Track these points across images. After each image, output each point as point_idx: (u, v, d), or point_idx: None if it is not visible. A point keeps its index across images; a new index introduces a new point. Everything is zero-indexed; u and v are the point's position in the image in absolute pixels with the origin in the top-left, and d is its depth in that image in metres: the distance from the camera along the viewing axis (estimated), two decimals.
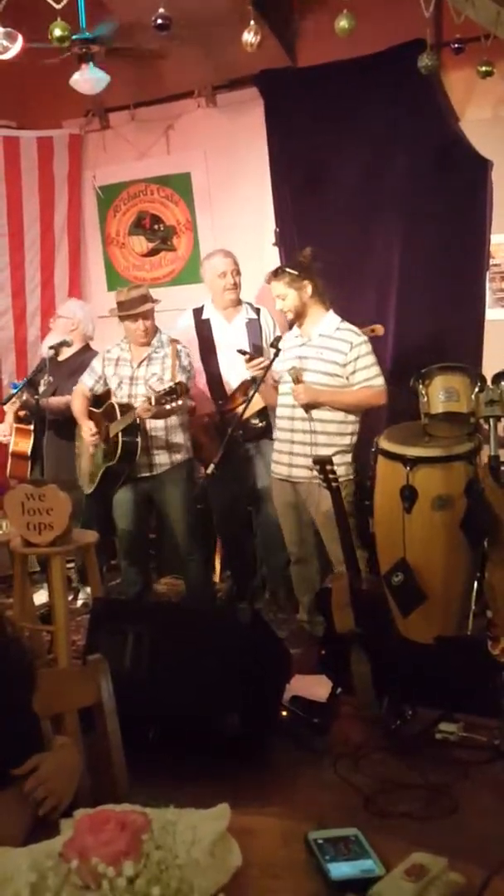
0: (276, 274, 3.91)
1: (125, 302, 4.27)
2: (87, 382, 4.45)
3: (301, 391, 3.81)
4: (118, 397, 4.31)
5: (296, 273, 3.87)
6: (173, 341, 4.31)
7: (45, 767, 1.48)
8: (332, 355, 3.84)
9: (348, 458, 3.86)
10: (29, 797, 1.45)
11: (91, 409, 4.44)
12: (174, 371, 4.17)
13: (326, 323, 3.92)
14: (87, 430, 4.34)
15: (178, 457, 4.32)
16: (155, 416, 4.08)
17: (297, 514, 4.01)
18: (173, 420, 4.26)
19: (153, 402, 3.94)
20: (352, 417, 3.89)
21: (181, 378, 4.12)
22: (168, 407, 3.99)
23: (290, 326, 4.06)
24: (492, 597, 2.92)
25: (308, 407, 3.85)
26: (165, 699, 3.11)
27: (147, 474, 4.29)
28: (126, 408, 4.20)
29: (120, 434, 4.16)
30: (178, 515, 4.37)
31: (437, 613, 3.27)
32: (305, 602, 4.14)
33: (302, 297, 3.88)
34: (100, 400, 4.44)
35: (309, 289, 3.88)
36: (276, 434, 4.06)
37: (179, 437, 4.32)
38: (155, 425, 4.22)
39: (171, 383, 3.96)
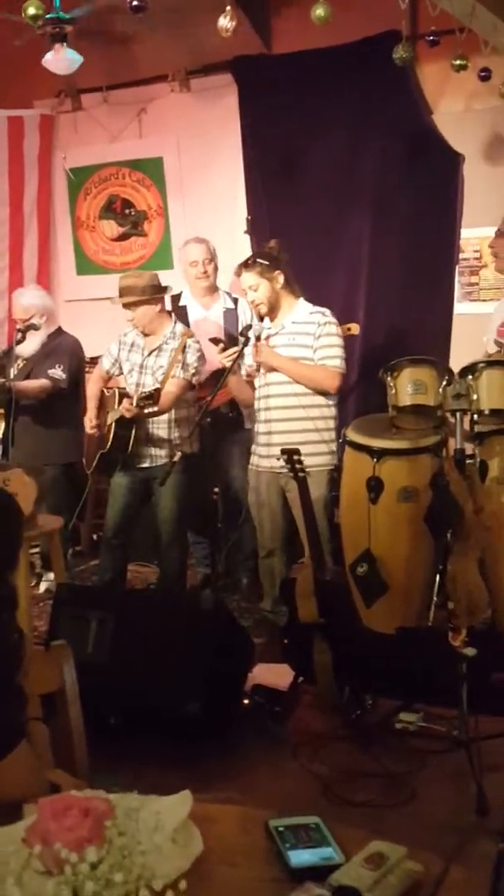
0: (248, 265, 3.87)
1: (120, 289, 4.22)
2: (105, 365, 4.40)
3: (260, 349, 3.80)
4: (128, 384, 4.29)
5: (267, 263, 3.83)
6: (185, 334, 4.21)
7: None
8: (304, 339, 3.83)
9: (326, 447, 3.84)
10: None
11: (104, 390, 4.39)
12: (170, 368, 4.12)
13: (299, 310, 3.90)
14: (88, 420, 4.32)
15: (181, 451, 4.17)
16: (136, 417, 4.04)
17: (273, 507, 3.97)
18: (181, 413, 4.22)
19: (134, 403, 3.92)
20: (328, 402, 3.86)
21: (181, 374, 4.10)
22: (147, 411, 3.96)
23: (261, 319, 4.02)
24: (453, 588, 2.94)
25: (262, 366, 3.82)
26: (127, 686, 3.11)
27: (147, 465, 4.25)
28: (123, 397, 4.16)
29: (114, 425, 4.13)
30: (168, 507, 4.29)
31: (399, 604, 3.30)
32: (271, 593, 4.14)
33: (274, 287, 3.84)
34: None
35: (280, 279, 3.84)
36: (256, 426, 4.02)
37: (185, 431, 4.22)
38: (160, 418, 4.16)
39: (152, 388, 3.92)
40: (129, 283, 4.20)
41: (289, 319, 3.90)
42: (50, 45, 4.63)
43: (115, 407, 4.18)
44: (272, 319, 3.94)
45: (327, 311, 3.90)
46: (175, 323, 4.27)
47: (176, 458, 3.84)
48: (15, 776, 1.42)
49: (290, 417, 3.84)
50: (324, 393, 3.85)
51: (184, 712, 2.99)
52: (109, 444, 4.16)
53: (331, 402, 3.89)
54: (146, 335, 4.25)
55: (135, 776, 2.31)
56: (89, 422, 4.32)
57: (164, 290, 4.26)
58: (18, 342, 4.50)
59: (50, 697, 1.86)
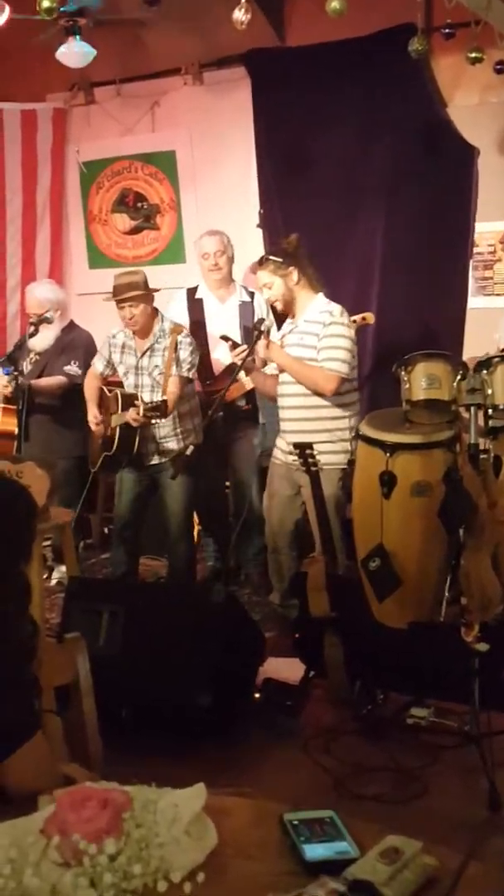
0: (261, 262, 3.83)
1: (115, 287, 4.19)
2: (98, 367, 4.39)
3: (262, 346, 3.78)
4: (126, 386, 4.28)
5: (280, 260, 3.77)
6: (174, 331, 4.20)
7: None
8: (311, 339, 3.76)
9: (339, 445, 3.77)
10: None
11: (104, 388, 4.39)
12: (168, 369, 4.11)
13: (312, 307, 3.83)
14: (92, 417, 4.32)
15: (187, 443, 4.22)
16: (142, 426, 4.06)
17: (282, 499, 3.94)
18: (184, 407, 4.22)
19: (140, 413, 3.91)
20: (338, 401, 3.80)
21: (178, 372, 4.10)
22: (154, 421, 3.99)
23: (274, 313, 3.99)
24: (466, 584, 2.93)
25: (266, 362, 3.79)
26: (139, 678, 3.11)
27: (157, 461, 4.26)
28: (127, 401, 4.15)
29: (118, 428, 4.14)
30: (175, 501, 4.30)
31: (411, 599, 3.28)
32: (280, 588, 4.12)
33: (288, 284, 3.77)
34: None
35: (294, 275, 3.77)
36: (280, 423, 3.98)
37: (189, 424, 4.26)
38: None
39: (159, 400, 3.92)
40: (128, 281, 4.16)
41: (303, 318, 3.84)
42: (63, 38, 4.63)
43: (118, 411, 4.17)
44: (291, 316, 3.88)
45: (336, 310, 3.79)
46: (163, 321, 4.25)
47: (189, 452, 3.83)
48: (30, 767, 1.43)
49: (301, 417, 3.80)
50: (320, 395, 3.76)
51: (195, 705, 2.99)
52: (115, 447, 4.17)
53: (345, 401, 3.81)
54: (138, 335, 4.23)
55: (144, 768, 2.30)
56: (94, 418, 4.32)
57: (155, 289, 4.25)
58: (31, 335, 4.51)
59: (63, 690, 1.86)
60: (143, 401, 4.03)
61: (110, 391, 4.35)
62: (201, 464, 4.15)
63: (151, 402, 3.93)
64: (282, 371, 3.85)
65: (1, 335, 5.76)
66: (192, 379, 4.23)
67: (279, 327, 4.12)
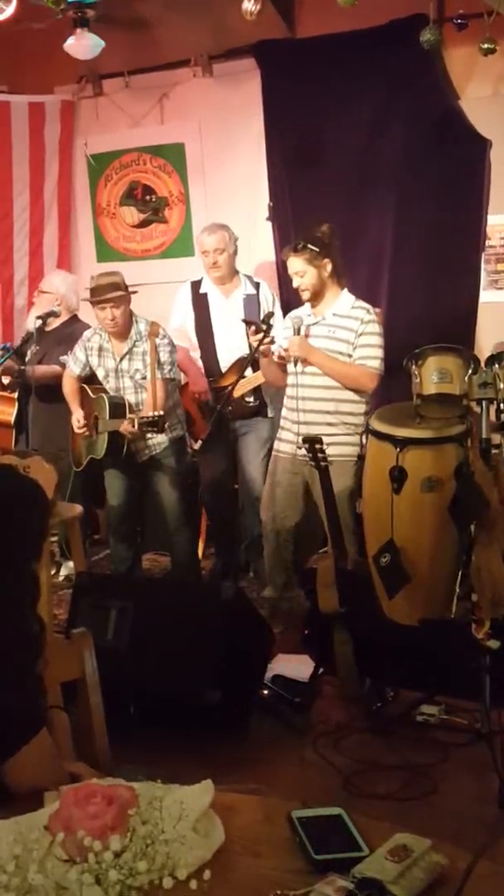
0: (297, 249, 3.78)
1: (95, 288, 4.18)
2: (75, 370, 4.40)
3: (297, 343, 3.75)
4: (107, 388, 4.29)
5: (317, 250, 3.74)
6: (152, 333, 4.20)
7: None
8: (344, 334, 3.77)
9: (353, 438, 3.77)
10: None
11: (86, 387, 4.38)
12: (152, 374, 4.11)
13: (342, 302, 3.83)
14: (76, 420, 4.31)
15: (174, 434, 4.31)
16: (135, 437, 4.10)
17: (285, 489, 3.94)
18: (168, 403, 4.22)
19: (136, 426, 3.95)
20: (361, 398, 3.82)
21: (162, 374, 4.13)
22: (148, 435, 4.07)
23: (285, 305, 3.96)
24: (477, 580, 2.91)
25: (298, 360, 3.78)
26: (147, 674, 3.10)
27: (147, 457, 4.28)
28: (116, 408, 4.15)
29: (107, 434, 4.14)
30: (168, 491, 4.33)
31: (422, 595, 3.26)
32: (278, 581, 4.10)
33: (321, 275, 3.76)
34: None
35: (329, 267, 3.77)
36: (284, 412, 3.97)
37: (174, 417, 4.31)
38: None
39: (155, 414, 3.92)
40: (108, 282, 4.16)
41: (330, 311, 3.83)
42: (71, 29, 4.61)
43: (105, 417, 4.17)
44: (314, 307, 3.87)
45: (371, 308, 3.83)
46: (138, 322, 4.25)
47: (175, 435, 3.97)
48: (34, 764, 1.42)
49: (322, 410, 3.80)
50: (358, 391, 3.80)
51: (203, 702, 2.98)
52: (104, 452, 4.18)
53: (364, 398, 3.84)
54: (116, 337, 4.23)
55: (153, 765, 2.29)
56: (78, 422, 4.32)
57: (133, 290, 4.26)
58: (38, 329, 4.50)
59: (71, 686, 1.85)
60: (137, 413, 4.05)
61: (94, 391, 4.34)
62: (183, 454, 4.22)
63: (148, 417, 3.92)
64: (305, 364, 3.81)
65: (7, 328, 5.75)
66: (174, 378, 4.27)
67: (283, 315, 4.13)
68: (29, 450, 4.14)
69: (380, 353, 3.78)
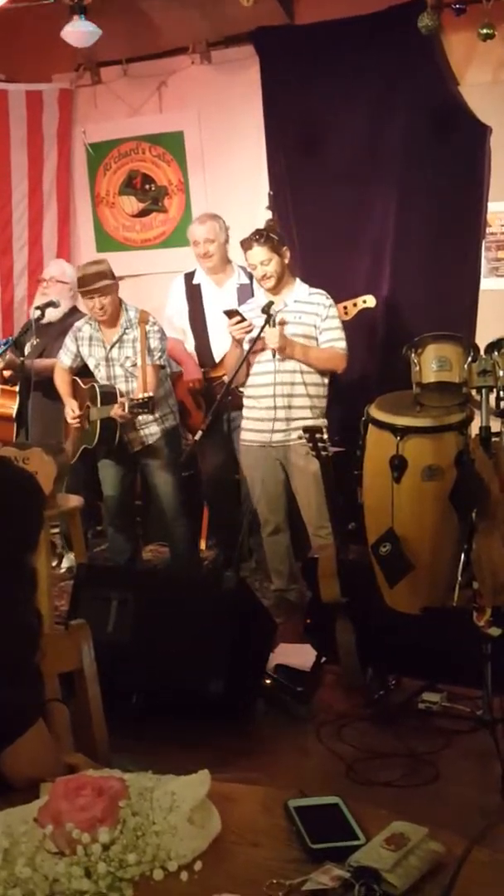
0: (259, 239, 3.87)
1: (82, 278, 4.19)
2: (66, 361, 4.40)
3: (276, 334, 3.81)
4: (98, 378, 4.29)
5: (277, 238, 3.90)
6: (142, 320, 4.21)
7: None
8: (310, 318, 3.91)
9: (322, 421, 3.91)
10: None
11: (77, 379, 4.38)
12: (143, 360, 4.12)
13: (298, 289, 3.98)
14: (70, 411, 4.32)
15: (167, 425, 4.33)
16: (126, 421, 4.10)
17: (269, 481, 4.01)
18: (159, 391, 4.23)
19: (126, 409, 3.97)
20: (326, 380, 3.98)
21: (152, 360, 4.15)
22: (140, 417, 4.08)
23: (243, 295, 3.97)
24: (478, 568, 2.90)
25: (277, 351, 3.85)
26: (149, 665, 3.10)
27: (140, 447, 4.29)
28: (107, 395, 4.17)
29: (98, 421, 4.14)
30: (163, 482, 4.35)
31: (423, 584, 3.26)
32: (282, 571, 4.12)
33: (283, 262, 3.91)
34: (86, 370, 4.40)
35: (287, 255, 3.93)
36: (250, 402, 4.02)
37: (165, 407, 4.34)
38: None
39: (145, 396, 3.95)
40: (96, 271, 4.16)
41: (291, 298, 3.96)
42: (69, 17, 4.57)
43: (98, 405, 4.18)
44: (275, 295, 3.96)
45: (324, 292, 3.98)
46: (128, 310, 4.25)
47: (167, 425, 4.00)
48: (32, 755, 1.41)
49: (300, 394, 3.92)
50: (329, 373, 3.96)
51: (206, 692, 2.98)
52: (97, 440, 4.18)
53: (326, 380, 3.98)
54: (106, 326, 4.24)
55: (155, 756, 2.29)
56: (72, 413, 4.32)
57: (120, 277, 4.28)
58: (37, 320, 4.49)
59: (69, 676, 1.84)
60: (127, 396, 4.06)
61: (85, 383, 4.34)
62: (175, 443, 4.25)
63: (137, 399, 3.95)
64: (283, 354, 3.85)
65: (7, 320, 5.73)
66: (164, 365, 4.30)
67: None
68: (29, 442, 4.13)
69: (343, 335, 3.94)
